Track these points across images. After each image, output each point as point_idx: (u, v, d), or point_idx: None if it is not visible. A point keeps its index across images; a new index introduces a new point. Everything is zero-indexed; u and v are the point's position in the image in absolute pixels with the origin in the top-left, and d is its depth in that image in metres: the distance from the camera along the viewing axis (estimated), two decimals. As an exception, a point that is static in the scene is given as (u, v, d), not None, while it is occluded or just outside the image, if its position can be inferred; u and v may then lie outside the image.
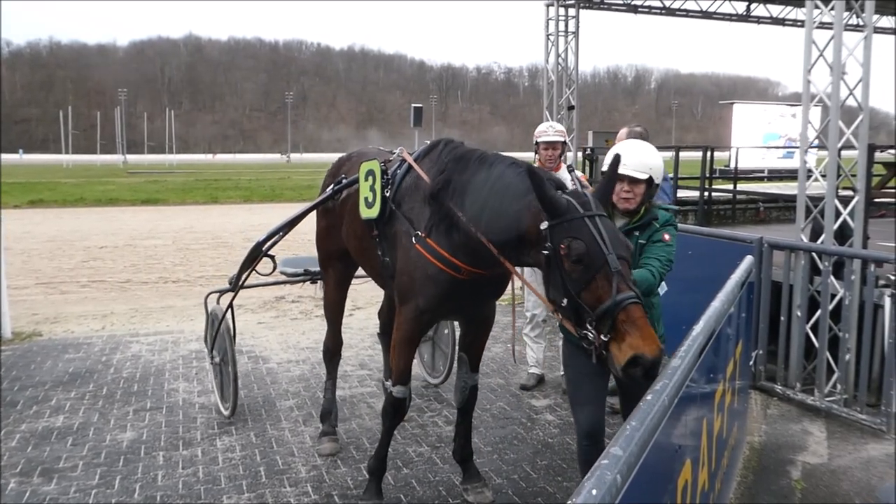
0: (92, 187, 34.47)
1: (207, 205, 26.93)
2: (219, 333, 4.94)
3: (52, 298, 9.76)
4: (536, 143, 5.24)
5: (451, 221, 3.19)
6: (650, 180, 3.10)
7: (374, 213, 3.58)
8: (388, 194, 3.55)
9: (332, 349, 4.65)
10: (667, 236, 3.11)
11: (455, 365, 4.31)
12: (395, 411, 3.66)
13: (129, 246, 15.41)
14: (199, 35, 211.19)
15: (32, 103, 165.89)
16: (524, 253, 2.92)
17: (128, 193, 30.81)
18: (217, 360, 5.00)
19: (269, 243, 4.47)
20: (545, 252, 2.71)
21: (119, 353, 6.41)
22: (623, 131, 4.92)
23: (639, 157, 3.10)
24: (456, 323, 4.82)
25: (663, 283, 4.90)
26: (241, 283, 4.77)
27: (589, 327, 2.54)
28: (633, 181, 3.08)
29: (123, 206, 26.62)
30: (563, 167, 5.36)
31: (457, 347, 5.37)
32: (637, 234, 3.12)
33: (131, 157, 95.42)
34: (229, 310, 4.80)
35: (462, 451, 3.89)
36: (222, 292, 5.11)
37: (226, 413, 4.82)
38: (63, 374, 5.77)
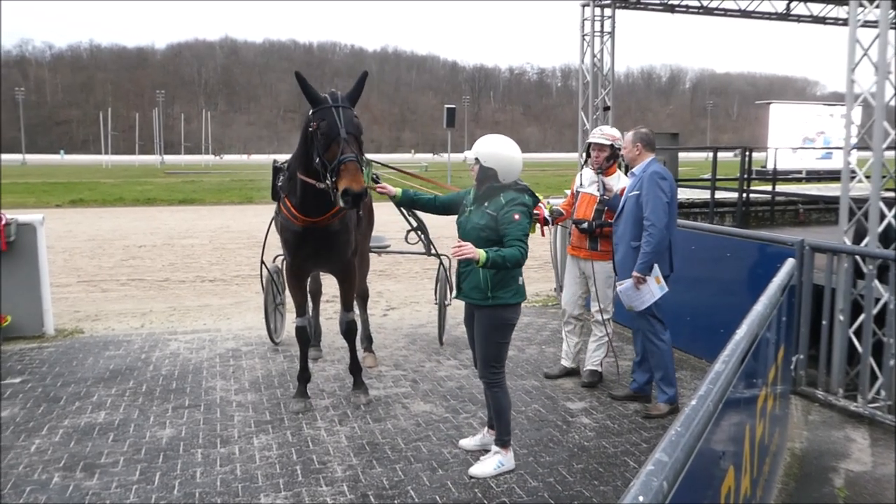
0: (131, 187, 35.16)
1: (243, 205, 27.25)
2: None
3: (93, 296, 9.97)
4: (588, 143, 5.52)
5: (291, 176, 4.67)
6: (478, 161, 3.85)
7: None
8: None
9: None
10: (516, 216, 3.73)
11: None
12: (299, 335, 5.15)
13: (167, 245, 15.69)
14: (235, 37, 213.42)
15: (73, 105, 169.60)
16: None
17: (165, 193, 31.36)
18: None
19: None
20: (310, 129, 4.22)
21: (158, 350, 6.52)
22: (629, 134, 5.09)
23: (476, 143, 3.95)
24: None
25: (664, 284, 4.85)
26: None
27: (328, 177, 4.11)
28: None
29: (161, 205, 27.11)
30: (619, 172, 5.43)
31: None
32: (486, 204, 3.82)
33: (168, 158, 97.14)
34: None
35: (349, 367, 5.29)
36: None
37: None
38: (104, 371, 5.88)
